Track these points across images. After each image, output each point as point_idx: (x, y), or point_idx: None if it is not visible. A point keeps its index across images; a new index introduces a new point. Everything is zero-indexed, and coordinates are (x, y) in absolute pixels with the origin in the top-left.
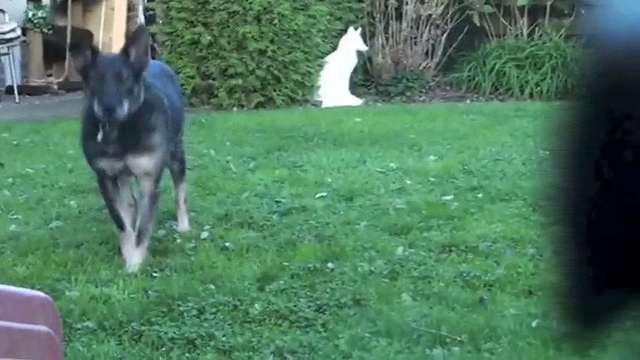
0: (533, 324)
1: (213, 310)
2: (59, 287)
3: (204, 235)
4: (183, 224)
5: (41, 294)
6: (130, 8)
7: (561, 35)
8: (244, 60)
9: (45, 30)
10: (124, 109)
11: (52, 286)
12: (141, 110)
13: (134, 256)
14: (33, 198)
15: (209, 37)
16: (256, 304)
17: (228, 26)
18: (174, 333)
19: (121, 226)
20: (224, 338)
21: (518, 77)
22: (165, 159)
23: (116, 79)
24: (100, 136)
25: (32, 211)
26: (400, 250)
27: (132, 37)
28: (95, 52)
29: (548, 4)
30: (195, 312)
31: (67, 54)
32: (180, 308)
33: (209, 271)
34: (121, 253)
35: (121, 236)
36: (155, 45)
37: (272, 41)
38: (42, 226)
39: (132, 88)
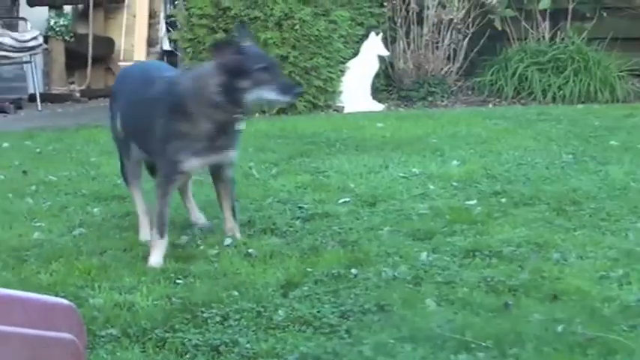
0: (559, 329)
1: (237, 316)
2: (83, 294)
3: (228, 241)
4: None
5: (65, 301)
6: (152, 15)
7: (583, 39)
8: None
9: (67, 38)
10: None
11: (76, 293)
12: None
13: None
14: (56, 205)
15: None
16: (280, 311)
17: (250, 32)
18: (198, 340)
19: (164, 232)
20: (248, 345)
21: (540, 81)
22: None
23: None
24: (238, 125)
25: (55, 218)
26: (424, 255)
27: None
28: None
29: (570, 7)
30: (218, 318)
31: (89, 61)
32: (204, 315)
33: (232, 278)
34: (150, 259)
35: (160, 243)
36: (177, 51)
37: (293, 47)
38: (65, 233)
39: None
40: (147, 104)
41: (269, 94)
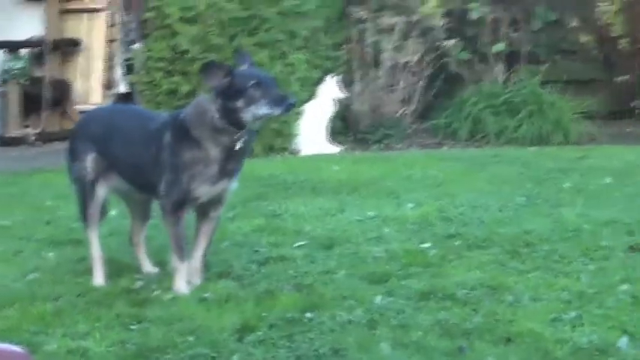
0: None
1: None
2: (37, 340)
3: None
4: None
5: (19, 349)
6: (109, 58)
7: (537, 81)
8: None
9: (22, 81)
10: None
11: (30, 339)
12: None
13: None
14: (10, 250)
15: (187, 87)
16: (235, 356)
17: None
18: None
19: (184, 256)
20: None
21: (494, 123)
22: None
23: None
24: (238, 145)
25: (9, 263)
26: (379, 298)
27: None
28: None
29: (524, 50)
30: None
31: (44, 105)
32: None
33: (188, 323)
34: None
35: (182, 267)
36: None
37: None
38: (19, 278)
39: None
40: (148, 139)
41: (262, 109)
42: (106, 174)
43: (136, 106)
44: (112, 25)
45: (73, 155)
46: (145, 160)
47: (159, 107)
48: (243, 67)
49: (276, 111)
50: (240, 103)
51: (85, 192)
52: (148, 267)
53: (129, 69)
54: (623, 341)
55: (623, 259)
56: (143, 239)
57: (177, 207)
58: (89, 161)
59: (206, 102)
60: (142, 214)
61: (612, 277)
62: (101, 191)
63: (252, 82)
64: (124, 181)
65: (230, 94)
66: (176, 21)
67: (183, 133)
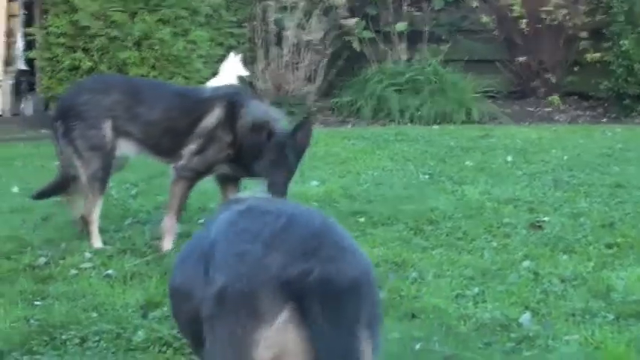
0: (417, 347)
1: (96, 338)
2: None
3: (87, 262)
4: None
5: None
6: (9, 34)
7: (440, 61)
8: None
9: None
10: None
11: None
12: None
13: None
14: None
15: (89, 63)
16: (140, 332)
17: (109, 52)
18: None
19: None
20: None
21: (398, 102)
22: None
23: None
24: None
25: None
26: None
27: (301, 123)
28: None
29: (426, 29)
30: (77, 340)
31: None
32: (63, 337)
33: (91, 299)
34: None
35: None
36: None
37: (153, 67)
38: None
39: None
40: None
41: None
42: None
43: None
44: (12, 0)
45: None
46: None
47: (60, 84)
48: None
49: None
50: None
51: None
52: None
53: (30, 45)
54: (525, 317)
55: (525, 236)
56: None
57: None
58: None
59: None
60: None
61: (514, 254)
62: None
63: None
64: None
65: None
66: None
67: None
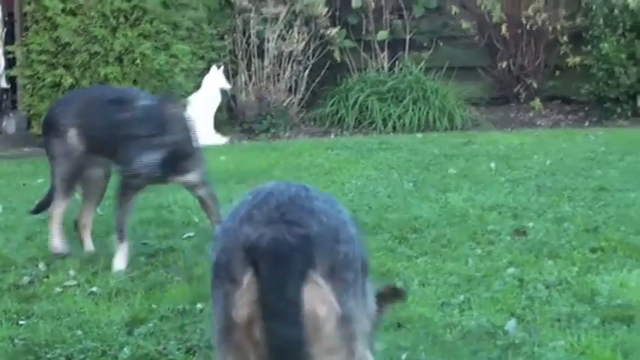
0: (403, 357)
1: (82, 356)
2: None
3: (71, 280)
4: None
5: None
6: None
7: (421, 68)
8: None
9: None
10: None
11: None
12: None
13: None
14: None
15: (70, 80)
16: (125, 349)
17: (90, 67)
18: None
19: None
20: None
21: (380, 110)
22: None
23: None
24: None
25: None
26: None
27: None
28: None
29: (408, 37)
30: (63, 359)
31: None
32: (48, 356)
33: (76, 317)
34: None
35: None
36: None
37: (135, 81)
38: None
39: None
40: None
41: None
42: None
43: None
44: None
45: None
46: None
47: (42, 101)
48: None
49: None
50: None
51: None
52: (90, 246)
53: (10, 62)
54: (510, 324)
55: (509, 242)
56: (90, 221)
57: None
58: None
59: None
60: (95, 195)
61: (499, 261)
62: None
63: None
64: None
65: None
66: (57, 13)
67: None
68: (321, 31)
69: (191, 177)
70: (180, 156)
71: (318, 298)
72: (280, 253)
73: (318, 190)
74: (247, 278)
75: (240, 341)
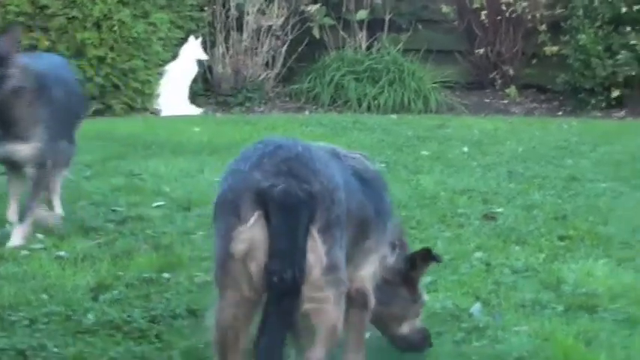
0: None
1: (46, 320)
2: None
3: (38, 243)
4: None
5: None
6: None
7: (399, 50)
8: (83, 67)
9: None
10: None
11: None
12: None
13: None
14: None
15: (47, 43)
16: (89, 314)
17: (67, 32)
18: (5, 344)
19: None
20: (56, 349)
21: (356, 90)
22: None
23: None
24: None
25: None
26: None
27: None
28: None
29: (387, 18)
30: (26, 322)
31: None
32: (11, 318)
33: (42, 280)
34: None
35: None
36: None
37: (112, 48)
38: None
39: None
40: None
41: None
42: None
43: None
44: None
45: None
46: None
47: None
48: None
49: None
50: None
51: None
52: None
53: None
54: (475, 307)
55: (478, 226)
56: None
57: None
58: None
59: None
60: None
61: (467, 245)
62: None
63: None
64: None
65: None
66: None
67: None
68: (302, 7)
69: None
70: None
71: (310, 248)
72: (291, 204)
73: (318, 151)
74: (254, 218)
75: (236, 274)
